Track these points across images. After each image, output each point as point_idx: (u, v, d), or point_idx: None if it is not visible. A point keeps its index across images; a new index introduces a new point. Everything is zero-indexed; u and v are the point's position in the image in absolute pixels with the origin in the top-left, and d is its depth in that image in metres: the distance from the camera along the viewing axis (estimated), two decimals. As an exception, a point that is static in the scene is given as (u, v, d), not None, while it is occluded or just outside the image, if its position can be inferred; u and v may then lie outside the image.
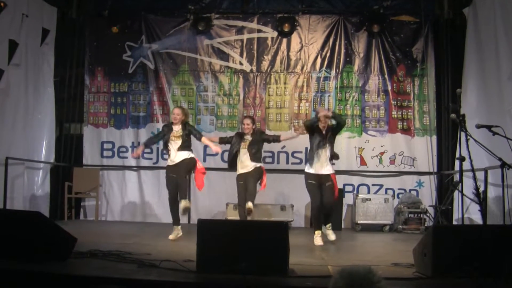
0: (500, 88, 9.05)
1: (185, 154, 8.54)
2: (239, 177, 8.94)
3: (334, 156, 8.30)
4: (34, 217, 5.77)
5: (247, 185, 8.74)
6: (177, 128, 8.60)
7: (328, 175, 8.20)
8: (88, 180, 11.51)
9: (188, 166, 8.60)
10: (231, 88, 11.97)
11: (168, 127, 8.73)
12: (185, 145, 8.57)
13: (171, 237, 8.29)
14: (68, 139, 12.08)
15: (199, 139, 8.76)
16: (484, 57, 9.72)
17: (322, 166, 8.19)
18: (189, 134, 8.65)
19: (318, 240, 8.07)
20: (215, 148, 8.92)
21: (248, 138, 8.99)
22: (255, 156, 8.86)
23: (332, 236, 8.34)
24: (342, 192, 11.21)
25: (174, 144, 8.56)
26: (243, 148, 8.93)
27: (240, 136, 9.13)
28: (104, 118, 12.11)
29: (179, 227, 8.52)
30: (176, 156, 8.52)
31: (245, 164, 8.88)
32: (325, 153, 8.20)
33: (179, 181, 8.43)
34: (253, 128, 9.12)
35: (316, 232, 8.15)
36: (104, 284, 1.77)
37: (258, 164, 8.90)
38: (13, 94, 10.03)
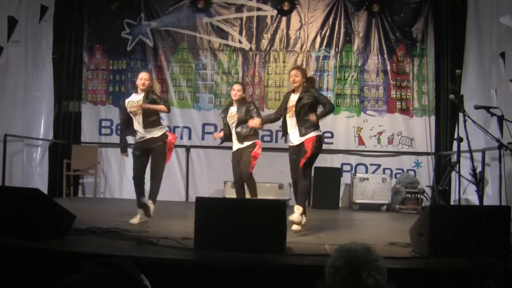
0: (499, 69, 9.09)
1: None
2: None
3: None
4: (33, 194, 5.79)
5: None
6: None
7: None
8: (86, 158, 11.52)
9: None
10: (230, 67, 11.95)
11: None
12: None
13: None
14: (67, 117, 12.07)
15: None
16: (484, 38, 9.72)
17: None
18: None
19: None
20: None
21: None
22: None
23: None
24: (340, 171, 11.26)
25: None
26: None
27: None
28: (102, 95, 12.08)
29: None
30: None
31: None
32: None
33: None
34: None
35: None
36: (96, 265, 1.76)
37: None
38: (13, 71, 10.01)
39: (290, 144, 7.43)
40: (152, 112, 7.65)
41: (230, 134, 8.18)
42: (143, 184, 7.78)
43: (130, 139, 8.62)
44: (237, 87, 8.21)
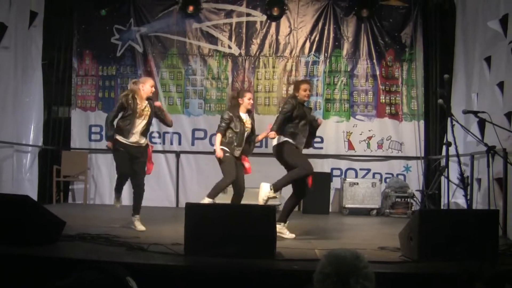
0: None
1: None
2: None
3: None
4: (22, 200, 5.77)
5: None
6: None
7: None
8: (76, 164, 11.49)
9: None
10: (219, 72, 11.96)
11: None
12: None
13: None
14: (56, 123, 12.03)
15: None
16: (471, 42, 9.78)
17: None
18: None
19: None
20: None
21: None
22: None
23: None
24: (329, 176, 11.28)
25: None
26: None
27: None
28: (92, 101, 12.05)
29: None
30: None
31: None
32: None
33: None
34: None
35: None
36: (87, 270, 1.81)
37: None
38: (2, 77, 9.96)
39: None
40: (151, 121, 7.80)
41: (241, 140, 8.04)
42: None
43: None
44: (250, 95, 8.27)
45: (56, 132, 11.96)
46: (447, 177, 7.16)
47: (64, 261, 4.89)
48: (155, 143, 11.61)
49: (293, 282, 4.47)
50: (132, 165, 7.67)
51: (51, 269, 4.63)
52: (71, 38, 12.08)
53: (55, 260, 4.91)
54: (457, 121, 6.52)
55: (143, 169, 7.80)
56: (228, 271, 4.73)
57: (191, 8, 11.79)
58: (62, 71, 11.96)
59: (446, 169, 7.05)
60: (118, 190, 8.03)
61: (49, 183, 11.44)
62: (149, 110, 7.68)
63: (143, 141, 7.68)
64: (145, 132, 7.70)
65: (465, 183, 6.15)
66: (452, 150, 6.69)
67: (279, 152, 7.38)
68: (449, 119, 6.48)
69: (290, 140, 7.23)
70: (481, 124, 8.22)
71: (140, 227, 7.57)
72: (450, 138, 6.69)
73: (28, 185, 10.75)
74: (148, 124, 7.71)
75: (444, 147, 8.35)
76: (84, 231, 6.37)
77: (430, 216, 5.60)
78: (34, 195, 10.25)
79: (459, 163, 6.44)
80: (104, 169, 11.81)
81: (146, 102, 7.67)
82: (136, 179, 7.81)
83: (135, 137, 7.58)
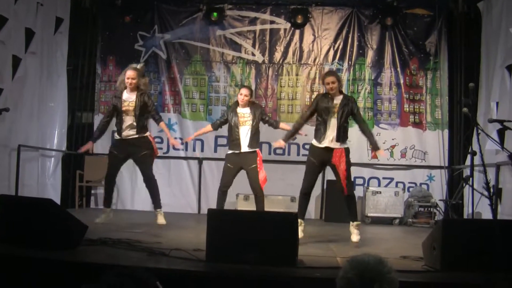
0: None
1: None
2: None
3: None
4: (46, 204, 5.80)
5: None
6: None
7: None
8: (99, 169, 11.48)
9: None
10: (243, 79, 11.97)
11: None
12: None
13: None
14: (80, 128, 12.12)
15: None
16: (494, 50, 9.69)
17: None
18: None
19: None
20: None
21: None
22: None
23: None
24: (352, 184, 11.20)
25: None
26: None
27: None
28: (114, 107, 12.10)
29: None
30: None
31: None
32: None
33: None
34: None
35: None
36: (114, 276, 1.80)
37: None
38: (30, 82, 10.09)
39: (319, 146, 7.37)
40: (144, 114, 8.03)
41: (234, 134, 8.20)
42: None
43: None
44: (244, 91, 8.34)
45: (80, 137, 12.03)
46: (472, 186, 7.07)
47: (86, 265, 4.90)
48: (178, 149, 11.65)
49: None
50: (134, 162, 8.05)
51: (73, 273, 4.64)
52: (95, 44, 12.17)
53: (77, 264, 4.92)
54: (482, 130, 6.44)
55: (145, 162, 8.06)
56: (249, 278, 4.70)
57: (215, 15, 11.82)
58: (86, 77, 12.06)
59: (471, 178, 6.98)
60: (109, 196, 8.31)
61: (72, 188, 11.52)
62: (134, 104, 7.93)
63: (135, 133, 7.95)
64: (137, 125, 7.99)
65: (490, 192, 6.06)
66: (476, 160, 6.62)
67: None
68: (475, 128, 6.40)
69: None
70: (501, 133, 8.16)
71: (160, 220, 7.65)
72: (475, 147, 6.61)
73: (51, 189, 10.84)
74: (140, 118, 7.96)
75: (468, 157, 8.27)
76: (106, 236, 6.38)
77: (454, 225, 5.54)
78: (57, 200, 10.32)
79: (485, 172, 6.35)
80: (126, 174, 11.80)
81: (134, 95, 7.91)
82: (143, 175, 7.92)
83: (126, 132, 7.96)
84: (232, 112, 8.34)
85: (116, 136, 8.07)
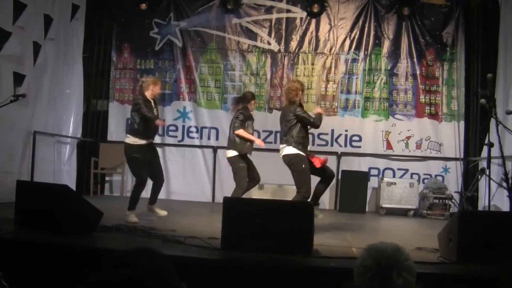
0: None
1: None
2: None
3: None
4: (62, 190, 5.85)
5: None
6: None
7: None
8: (113, 156, 11.57)
9: None
10: (258, 68, 11.94)
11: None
12: None
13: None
14: (95, 115, 12.17)
15: None
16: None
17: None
18: None
19: None
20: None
21: None
22: None
23: None
24: (367, 175, 11.17)
25: None
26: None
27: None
28: (129, 94, 12.11)
29: None
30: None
31: None
32: None
33: None
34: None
35: None
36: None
37: None
38: (50, 67, 10.14)
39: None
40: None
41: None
42: None
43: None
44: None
45: (95, 124, 12.09)
46: (489, 177, 7.00)
47: (101, 251, 4.92)
48: (192, 137, 11.67)
49: (329, 279, 4.41)
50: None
51: (88, 259, 4.66)
52: (111, 32, 12.20)
53: (92, 250, 4.95)
54: (500, 122, 6.39)
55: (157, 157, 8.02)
56: (264, 267, 4.70)
57: (231, 3, 11.79)
58: (102, 64, 12.12)
59: (488, 170, 6.91)
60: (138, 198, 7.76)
61: (87, 174, 11.56)
62: (157, 112, 7.82)
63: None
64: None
65: (509, 183, 6.00)
66: (494, 151, 6.57)
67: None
68: (493, 119, 6.35)
69: None
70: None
71: (162, 212, 7.62)
72: (493, 138, 6.55)
73: (66, 176, 10.89)
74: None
75: (484, 148, 8.20)
76: (121, 223, 6.41)
77: (470, 217, 5.49)
78: (72, 186, 10.34)
79: (504, 163, 6.29)
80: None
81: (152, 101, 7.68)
82: (161, 173, 8.04)
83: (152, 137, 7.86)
84: None
85: (141, 141, 7.60)
